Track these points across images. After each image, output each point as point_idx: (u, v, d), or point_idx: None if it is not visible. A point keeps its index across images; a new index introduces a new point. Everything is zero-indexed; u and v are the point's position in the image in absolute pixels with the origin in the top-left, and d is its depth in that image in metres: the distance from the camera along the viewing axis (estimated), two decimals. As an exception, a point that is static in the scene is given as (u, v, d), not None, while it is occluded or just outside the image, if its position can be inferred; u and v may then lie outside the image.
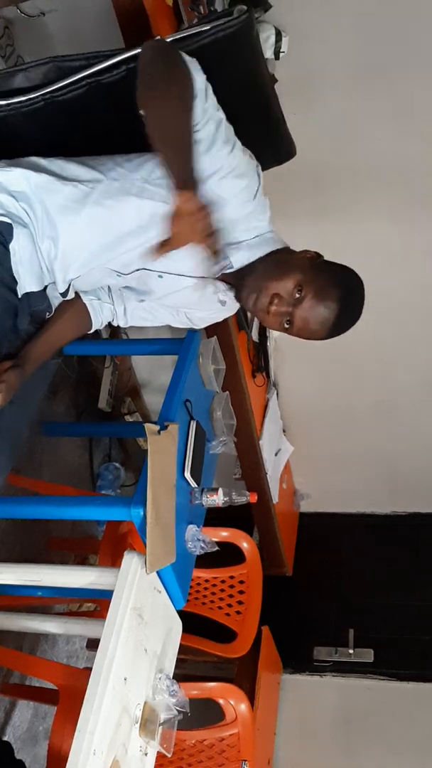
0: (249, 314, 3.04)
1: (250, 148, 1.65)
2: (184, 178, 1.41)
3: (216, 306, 1.85)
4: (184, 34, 1.60)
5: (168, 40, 1.60)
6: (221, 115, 1.54)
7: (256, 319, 3.14)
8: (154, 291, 1.78)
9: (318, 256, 1.70)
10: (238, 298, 1.75)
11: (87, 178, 1.60)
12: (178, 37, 1.60)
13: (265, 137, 1.86)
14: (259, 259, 1.69)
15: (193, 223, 1.42)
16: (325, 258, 1.71)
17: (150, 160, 1.61)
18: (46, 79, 1.68)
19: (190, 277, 1.70)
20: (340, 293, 1.63)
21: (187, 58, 1.49)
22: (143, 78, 1.44)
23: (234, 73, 1.67)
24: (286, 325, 1.66)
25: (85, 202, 1.57)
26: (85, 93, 1.67)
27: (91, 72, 1.63)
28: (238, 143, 1.58)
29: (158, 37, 1.54)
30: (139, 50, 1.58)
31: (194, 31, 1.59)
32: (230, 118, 1.58)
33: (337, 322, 1.64)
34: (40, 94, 1.67)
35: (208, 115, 1.51)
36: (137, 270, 1.69)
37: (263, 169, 1.68)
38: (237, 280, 1.73)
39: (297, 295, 1.61)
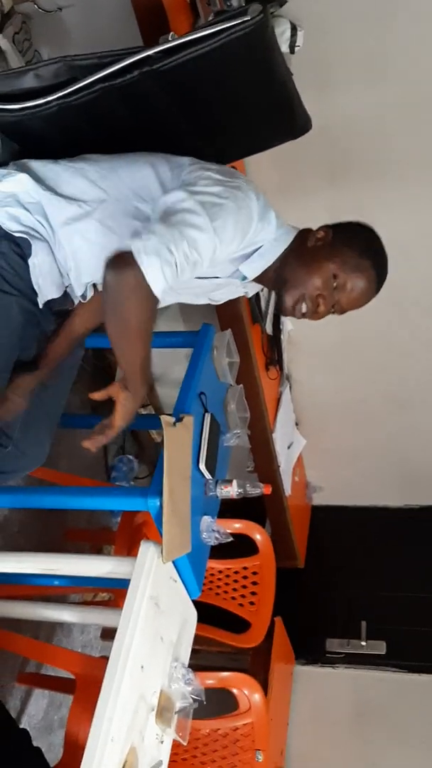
0: (263, 307, 3.06)
1: (268, 127, 1.72)
2: (132, 382, 1.57)
3: (238, 290, 1.88)
4: (198, 35, 1.56)
5: (183, 40, 1.57)
6: (202, 247, 1.48)
7: (270, 312, 3.15)
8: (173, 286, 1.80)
9: (327, 231, 1.70)
10: (280, 311, 1.76)
11: (90, 198, 1.63)
12: (192, 38, 1.56)
13: (281, 116, 1.83)
14: (276, 261, 1.70)
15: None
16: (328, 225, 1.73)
17: (151, 177, 1.65)
18: (57, 78, 1.66)
19: (211, 278, 1.74)
20: (371, 259, 1.67)
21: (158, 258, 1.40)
22: (108, 301, 1.43)
23: (251, 72, 1.65)
24: (333, 311, 1.71)
25: (88, 221, 1.62)
26: (98, 97, 1.64)
27: (104, 75, 1.61)
28: (213, 216, 1.50)
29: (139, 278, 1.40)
30: (151, 52, 1.57)
31: (208, 32, 1.54)
32: (249, 114, 1.59)
33: (378, 281, 1.69)
34: (54, 99, 1.65)
35: (189, 269, 1.49)
36: None
37: (279, 143, 1.74)
38: (261, 281, 1.76)
39: (335, 284, 1.64)
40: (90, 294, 1.77)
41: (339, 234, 1.70)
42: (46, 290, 1.66)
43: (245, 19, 1.52)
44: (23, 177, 1.61)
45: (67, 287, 1.71)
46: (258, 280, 1.76)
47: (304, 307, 1.68)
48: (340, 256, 1.65)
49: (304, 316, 1.70)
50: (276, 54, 1.65)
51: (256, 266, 1.70)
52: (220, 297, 1.93)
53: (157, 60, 1.58)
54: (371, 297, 1.70)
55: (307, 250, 1.69)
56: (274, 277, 1.72)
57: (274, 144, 1.93)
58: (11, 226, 1.57)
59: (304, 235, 1.72)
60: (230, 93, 1.71)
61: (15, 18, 2.31)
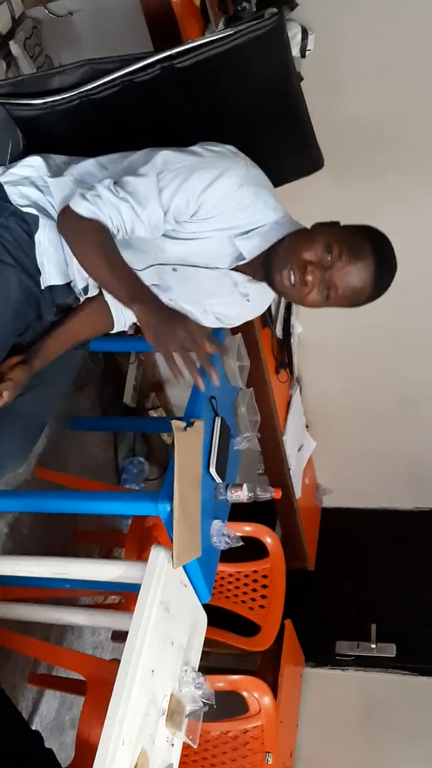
0: (273, 310, 3.06)
1: (279, 157, 1.69)
2: (127, 300, 1.48)
3: (239, 299, 1.81)
4: (216, 37, 1.63)
5: (198, 42, 1.63)
6: (168, 199, 1.54)
7: (280, 316, 3.15)
8: (171, 287, 1.79)
9: (335, 223, 1.65)
10: (270, 284, 1.68)
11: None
12: (208, 39, 1.62)
13: (293, 147, 1.89)
14: (275, 243, 1.64)
15: (165, 335, 1.41)
16: None
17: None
18: (81, 81, 1.72)
19: (204, 268, 1.71)
20: (372, 245, 1.58)
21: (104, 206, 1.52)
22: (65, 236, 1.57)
23: (264, 76, 1.70)
24: (329, 294, 1.58)
25: None
26: (119, 91, 1.70)
27: (126, 71, 1.67)
28: (193, 163, 1.55)
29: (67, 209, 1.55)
30: (173, 51, 1.64)
31: (225, 34, 1.61)
32: (259, 122, 1.60)
33: (379, 275, 1.58)
34: (76, 93, 1.71)
35: (155, 218, 1.55)
36: (151, 266, 1.71)
37: (289, 181, 1.69)
38: (256, 270, 1.70)
39: (328, 257, 1.55)
40: (93, 291, 1.78)
41: (346, 225, 1.64)
42: (49, 272, 1.66)
43: (262, 20, 1.60)
44: (37, 160, 1.68)
45: (71, 281, 1.72)
46: (253, 264, 1.69)
47: (292, 277, 1.58)
48: (340, 233, 1.59)
49: (293, 287, 1.59)
50: (289, 59, 1.70)
51: (254, 244, 1.65)
52: (226, 313, 1.88)
53: (176, 57, 1.65)
54: (371, 285, 1.58)
55: (308, 230, 1.65)
56: (265, 255, 1.65)
57: (286, 177, 1.92)
58: (20, 201, 1.61)
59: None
60: (243, 95, 1.75)
61: (26, 23, 2.32)
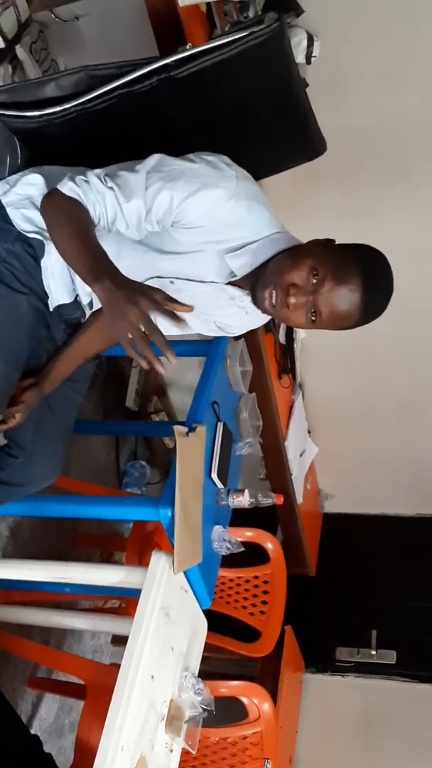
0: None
1: (283, 147, 1.65)
2: (88, 278, 1.37)
3: (238, 312, 1.77)
4: (215, 44, 1.59)
5: (200, 48, 1.60)
6: (155, 195, 1.50)
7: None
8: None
9: (330, 241, 1.57)
10: (254, 302, 1.65)
11: None
12: (210, 46, 1.59)
13: (296, 136, 1.85)
14: (266, 261, 1.60)
15: (118, 320, 1.29)
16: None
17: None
18: (77, 88, 1.69)
19: (199, 282, 1.68)
20: (360, 267, 1.49)
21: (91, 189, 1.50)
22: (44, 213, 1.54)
23: (266, 82, 1.68)
24: (313, 318, 1.52)
25: None
26: (116, 103, 1.67)
27: (123, 82, 1.64)
28: (185, 179, 1.51)
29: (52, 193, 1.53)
30: (169, 60, 1.61)
31: (226, 41, 1.57)
32: (263, 123, 1.58)
33: (367, 300, 1.50)
34: (73, 105, 1.68)
35: (137, 213, 1.51)
36: (150, 278, 1.69)
37: (294, 165, 1.65)
38: (249, 285, 1.65)
39: (314, 280, 1.49)
40: (98, 306, 1.78)
41: (341, 244, 1.57)
42: (57, 292, 1.67)
43: (261, 27, 1.55)
44: (37, 178, 1.65)
45: (77, 295, 1.72)
46: (246, 280, 1.65)
47: (274, 297, 1.54)
48: (328, 256, 1.51)
49: (275, 308, 1.55)
50: (291, 64, 1.67)
51: (244, 261, 1.60)
52: (228, 323, 1.85)
53: (175, 67, 1.61)
54: (357, 312, 1.51)
55: (298, 248, 1.58)
56: (257, 272, 1.61)
57: (287, 164, 1.91)
58: (25, 227, 1.60)
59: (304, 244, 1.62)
60: (244, 103, 1.73)
61: (32, 27, 2.32)
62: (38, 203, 1.61)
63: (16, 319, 1.62)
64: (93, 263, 1.38)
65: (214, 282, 1.67)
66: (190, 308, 1.35)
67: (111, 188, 1.50)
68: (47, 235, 1.59)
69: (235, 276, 1.64)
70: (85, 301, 1.74)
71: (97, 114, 1.70)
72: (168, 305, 1.31)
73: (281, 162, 1.81)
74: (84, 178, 1.50)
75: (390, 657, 3.61)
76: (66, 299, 1.69)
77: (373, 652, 3.62)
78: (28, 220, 1.61)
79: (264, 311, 1.63)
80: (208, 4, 2.12)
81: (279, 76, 1.68)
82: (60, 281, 1.66)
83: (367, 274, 1.50)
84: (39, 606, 2.30)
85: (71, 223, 1.46)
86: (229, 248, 1.60)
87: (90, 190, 1.49)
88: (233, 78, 1.65)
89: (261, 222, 1.59)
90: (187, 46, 1.63)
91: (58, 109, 1.69)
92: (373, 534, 4.14)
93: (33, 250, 1.61)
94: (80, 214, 1.48)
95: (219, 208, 1.51)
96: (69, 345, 1.82)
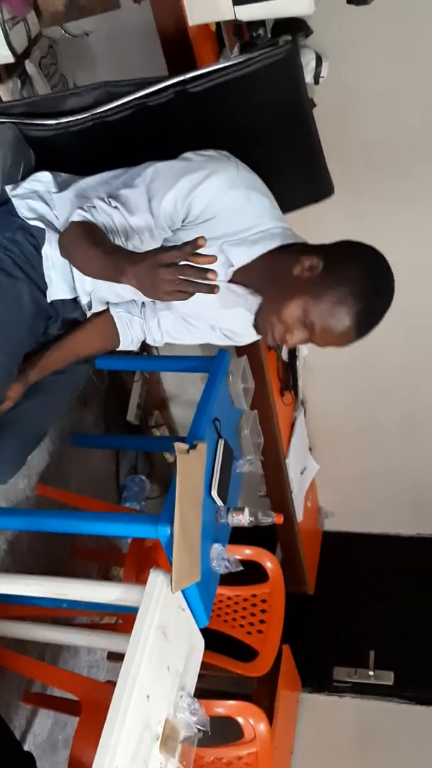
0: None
1: (288, 183, 1.68)
2: (116, 277, 1.43)
3: (244, 312, 1.74)
4: (230, 63, 1.64)
5: (213, 68, 1.65)
6: (159, 204, 1.54)
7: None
8: (173, 304, 1.77)
9: (317, 264, 1.54)
10: (256, 329, 1.69)
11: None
12: (223, 65, 1.63)
13: (303, 174, 1.89)
14: (260, 257, 1.61)
15: (156, 286, 1.37)
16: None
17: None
18: (96, 103, 1.75)
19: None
20: (349, 308, 1.51)
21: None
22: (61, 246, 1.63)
23: (277, 102, 1.71)
24: (311, 343, 1.60)
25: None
26: (132, 114, 1.73)
27: (142, 95, 1.69)
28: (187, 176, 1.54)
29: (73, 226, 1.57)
30: (186, 76, 1.67)
31: (240, 60, 1.62)
32: (270, 148, 1.60)
33: (359, 327, 1.54)
34: (90, 115, 1.74)
35: (145, 225, 1.55)
36: None
37: (299, 207, 1.70)
38: (250, 281, 1.66)
39: (306, 321, 1.54)
40: (98, 307, 1.78)
41: (329, 269, 1.54)
42: (57, 285, 1.68)
43: (276, 47, 1.61)
44: (46, 176, 1.72)
45: (77, 296, 1.72)
46: (244, 279, 1.67)
47: (269, 337, 1.61)
48: (316, 298, 1.52)
49: (275, 343, 1.62)
50: (302, 86, 1.71)
51: (243, 251, 1.60)
52: (233, 327, 1.83)
53: (189, 82, 1.67)
54: (347, 342, 1.57)
55: (291, 277, 1.55)
56: (253, 268, 1.62)
57: (293, 198, 1.89)
58: (28, 215, 1.65)
59: (297, 253, 1.58)
60: (253, 123, 1.76)
61: (42, 42, 2.34)
62: (44, 197, 1.68)
63: (19, 313, 1.64)
64: (110, 261, 1.44)
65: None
66: (213, 258, 1.34)
67: (116, 207, 1.54)
68: (49, 222, 1.65)
69: (233, 266, 1.63)
70: (84, 300, 1.74)
71: (111, 124, 1.75)
72: (190, 258, 1.33)
73: (289, 202, 1.80)
74: (90, 204, 1.55)
75: (388, 678, 3.58)
76: (65, 295, 1.70)
77: (371, 673, 3.59)
78: (31, 209, 1.66)
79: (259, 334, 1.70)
80: (217, 23, 2.13)
81: (290, 97, 1.72)
82: (61, 274, 1.68)
83: (359, 308, 1.51)
84: (35, 621, 2.28)
85: (83, 239, 1.51)
86: (228, 240, 1.60)
87: (98, 212, 1.54)
88: (245, 96, 1.70)
89: (261, 212, 1.60)
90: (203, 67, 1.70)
91: (75, 117, 1.76)
92: (372, 553, 4.12)
93: (35, 240, 1.64)
94: (91, 230, 1.53)
95: (220, 197, 1.52)
96: (64, 338, 1.81)
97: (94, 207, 1.56)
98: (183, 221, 1.56)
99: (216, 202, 1.53)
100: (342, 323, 1.52)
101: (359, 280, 1.53)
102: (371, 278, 1.55)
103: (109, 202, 1.56)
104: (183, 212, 1.53)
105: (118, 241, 1.57)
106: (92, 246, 1.49)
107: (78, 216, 1.55)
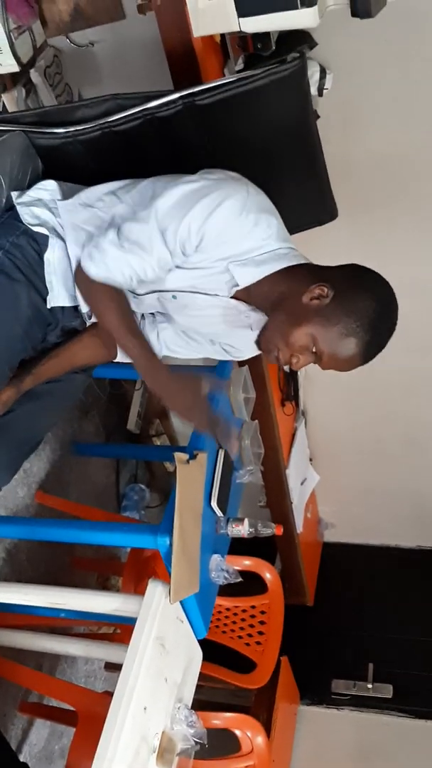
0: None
1: (292, 203, 1.68)
2: (155, 390, 1.62)
3: (244, 329, 1.73)
4: (238, 77, 1.65)
5: (221, 81, 1.66)
6: (172, 238, 1.53)
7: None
8: (173, 315, 1.77)
9: (327, 293, 1.53)
10: (258, 346, 1.69)
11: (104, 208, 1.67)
12: (231, 79, 1.64)
13: (307, 193, 1.89)
14: (267, 278, 1.59)
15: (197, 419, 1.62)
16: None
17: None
18: (106, 113, 1.75)
19: (203, 294, 1.66)
20: (358, 339, 1.52)
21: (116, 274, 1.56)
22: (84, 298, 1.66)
23: (282, 118, 1.73)
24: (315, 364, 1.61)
25: (94, 231, 1.63)
26: (140, 124, 1.73)
27: (149, 106, 1.70)
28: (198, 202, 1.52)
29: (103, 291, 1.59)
30: (195, 89, 1.68)
31: (248, 74, 1.63)
32: (275, 165, 1.60)
33: (365, 356, 1.55)
34: (98, 124, 1.74)
35: (164, 260, 1.55)
36: (152, 291, 1.69)
37: (302, 229, 1.69)
38: (253, 300, 1.65)
39: (314, 349, 1.55)
40: None
41: (339, 298, 1.53)
42: (57, 292, 1.67)
43: (284, 63, 1.63)
44: (52, 184, 1.73)
45: (78, 305, 1.72)
46: (248, 297, 1.66)
47: (272, 358, 1.62)
48: (326, 327, 1.52)
49: (279, 363, 1.64)
50: (308, 103, 1.73)
51: (248, 271, 1.59)
52: (233, 342, 1.83)
53: (198, 94, 1.68)
54: (352, 368, 1.58)
55: (300, 305, 1.55)
56: (259, 288, 1.62)
57: (297, 218, 1.84)
58: (31, 221, 1.65)
59: (303, 275, 1.58)
60: (259, 137, 1.78)
61: (47, 51, 2.34)
62: (48, 205, 1.69)
63: (15, 314, 1.63)
64: (150, 367, 1.61)
65: (218, 295, 1.66)
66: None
67: (130, 250, 1.52)
68: (53, 228, 1.65)
69: (237, 285, 1.63)
70: (84, 309, 1.73)
71: (119, 134, 1.76)
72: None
73: (290, 215, 1.79)
74: (100, 252, 1.53)
75: (386, 691, 3.56)
76: (65, 302, 1.69)
77: (370, 686, 3.58)
78: (35, 216, 1.67)
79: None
80: (222, 34, 2.14)
81: (296, 112, 1.74)
82: (62, 281, 1.67)
83: (365, 340, 1.53)
84: (33, 630, 2.27)
85: (117, 318, 1.58)
86: (235, 260, 1.59)
87: (112, 261, 1.53)
88: (251, 110, 1.71)
89: (269, 234, 1.58)
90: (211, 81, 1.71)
91: (84, 126, 1.76)
92: (372, 564, 4.12)
93: (38, 246, 1.65)
94: (119, 304, 1.59)
95: (232, 223, 1.52)
96: (61, 346, 1.80)
97: (105, 254, 1.53)
98: (197, 247, 1.55)
99: (229, 230, 1.52)
100: (349, 352, 1.54)
101: (369, 312, 1.53)
102: (379, 309, 1.55)
103: (121, 244, 1.53)
104: (196, 240, 1.53)
105: (135, 282, 1.58)
106: (129, 334, 1.59)
107: (91, 268, 1.54)
